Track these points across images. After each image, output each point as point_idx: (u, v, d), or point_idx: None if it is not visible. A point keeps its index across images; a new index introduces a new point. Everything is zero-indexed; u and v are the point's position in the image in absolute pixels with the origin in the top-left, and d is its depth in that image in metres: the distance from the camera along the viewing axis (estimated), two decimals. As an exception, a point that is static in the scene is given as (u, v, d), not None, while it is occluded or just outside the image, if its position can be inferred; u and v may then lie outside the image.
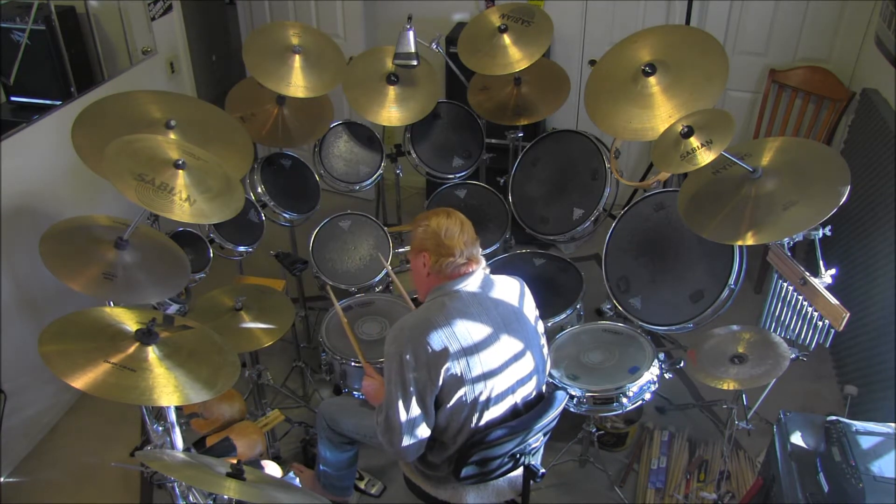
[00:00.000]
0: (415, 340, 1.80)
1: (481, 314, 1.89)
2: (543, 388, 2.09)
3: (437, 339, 1.80)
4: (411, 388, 1.80)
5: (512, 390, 1.93)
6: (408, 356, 1.79)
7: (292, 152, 3.12)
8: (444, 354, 1.80)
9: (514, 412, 1.96)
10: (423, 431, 1.86)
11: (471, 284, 1.92)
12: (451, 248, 1.89)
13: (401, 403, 1.81)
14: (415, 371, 1.79)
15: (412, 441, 1.85)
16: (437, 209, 1.98)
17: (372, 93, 2.98)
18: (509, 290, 2.00)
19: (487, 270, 2.00)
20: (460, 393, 1.84)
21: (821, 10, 3.38)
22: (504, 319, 1.92)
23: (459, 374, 1.82)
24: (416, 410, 1.82)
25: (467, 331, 1.84)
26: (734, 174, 2.15)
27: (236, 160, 2.48)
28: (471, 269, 1.92)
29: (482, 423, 1.90)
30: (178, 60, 3.59)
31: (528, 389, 1.99)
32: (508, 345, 1.91)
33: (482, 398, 1.87)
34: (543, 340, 2.08)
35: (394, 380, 1.82)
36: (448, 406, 1.85)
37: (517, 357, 1.93)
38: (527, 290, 2.06)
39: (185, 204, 1.97)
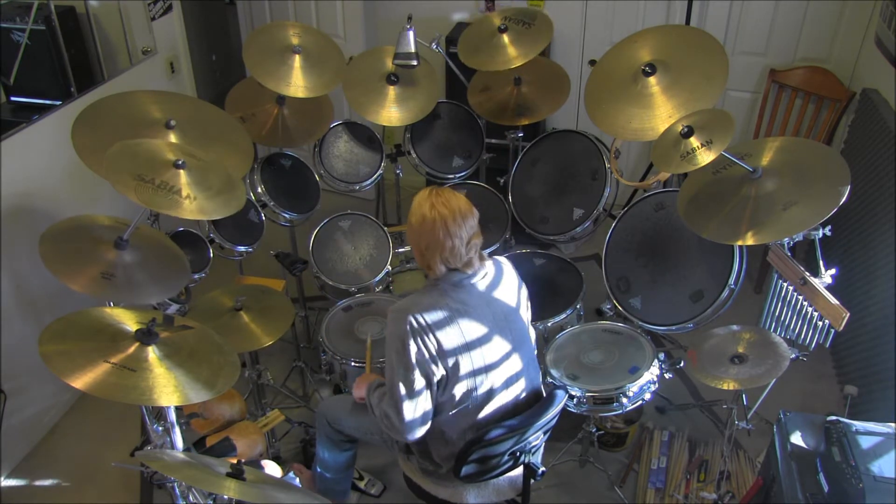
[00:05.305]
0: (418, 328, 1.79)
1: (481, 310, 1.88)
2: (542, 387, 2.10)
3: (444, 335, 1.80)
4: (414, 368, 1.79)
5: (503, 388, 1.94)
6: (410, 340, 1.79)
7: (292, 152, 3.12)
8: (447, 349, 1.81)
9: (508, 411, 1.97)
10: (426, 407, 1.84)
11: (476, 279, 1.90)
12: (432, 263, 1.85)
13: (402, 383, 1.80)
14: (417, 354, 1.79)
15: (416, 417, 1.83)
16: (433, 198, 1.84)
17: (372, 93, 2.98)
18: (509, 287, 1.99)
19: (488, 263, 1.96)
20: (453, 386, 1.85)
21: (821, 10, 3.38)
22: (502, 318, 1.93)
23: (455, 369, 1.83)
24: (419, 385, 1.81)
25: (468, 328, 1.85)
26: (734, 174, 2.15)
27: (236, 160, 2.48)
28: (470, 271, 1.89)
29: (480, 416, 1.91)
30: (178, 60, 3.59)
31: (518, 389, 1.99)
32: (500, 345, 1.92)
33: (475, 393, 1.88)
34: (533, 334, 2.07)
35: (395, 361, 1.81)
36: (442, 400, 1.87)
37: (507, 356, 1.94)
38: (524, 289, 2.06)
39: (185, 201, 1.98)
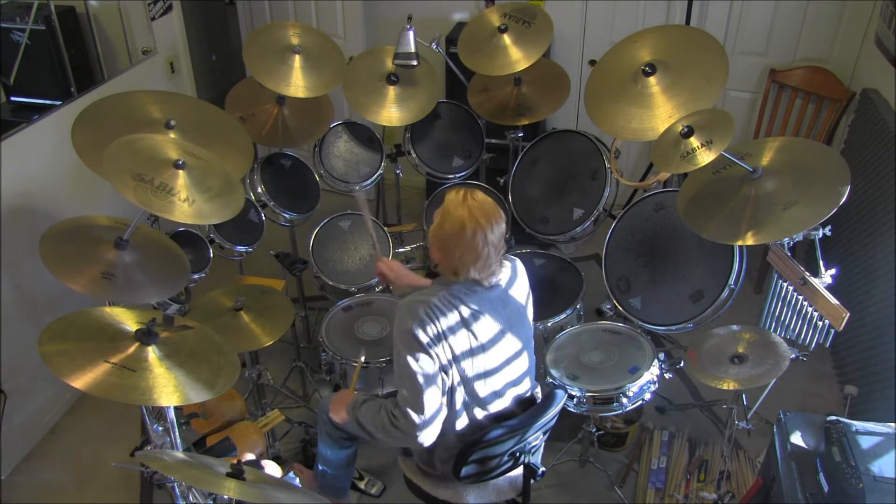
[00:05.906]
0: (428, 323, 1.77)
1: (495, 311, 1.88)
2: (538, 388, 2.10)
3: (455, 338, 1.80)
4: (427, 351, 1.78)
5: (509, 387, 1.94)
6: (419, 332, 1.76)
7: (292, 152, 3.12)
8: (456, 350, 1.81)
9: (509, 412, 1.96)
10: (437, 404, 1.80)
11: (493, 282, 1.88)
12: (460, 270, 1.80)
13: (415, 375, 1.77)
14: (426, 352, 1.77)
15: (427, 417, 1.79)
16: (469, 202, 1.75)
17: (372, 93, 2.98)
18: (521, 289, 1.99)
19: (506, 267, 1.95)
20: (459, 389, 1.85)
21: (821, 10, 3.38)
22: (513, 318, 1.92)
23: (463, 371, 1.83)
24: (429, 377, 1.78)
25: (478, 331, 1.84)
26: (734, 174, 2.15)
27: (236, 160, 2.48)
28: (487, 282, 1.86)
29: (481, 418, 1.91)
30: (178, 60, 3.59)
31: (522, 390, 1.99)
32: (506, 348, 1.91)
33: (480, 395, 1.88)
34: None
35: (403, 355, 1.78)
36: (448, 400, 1.87)
37: (516, 356, 1.94)
38: (530, 297, 2.05)
39: (184, 204, 1.97)
